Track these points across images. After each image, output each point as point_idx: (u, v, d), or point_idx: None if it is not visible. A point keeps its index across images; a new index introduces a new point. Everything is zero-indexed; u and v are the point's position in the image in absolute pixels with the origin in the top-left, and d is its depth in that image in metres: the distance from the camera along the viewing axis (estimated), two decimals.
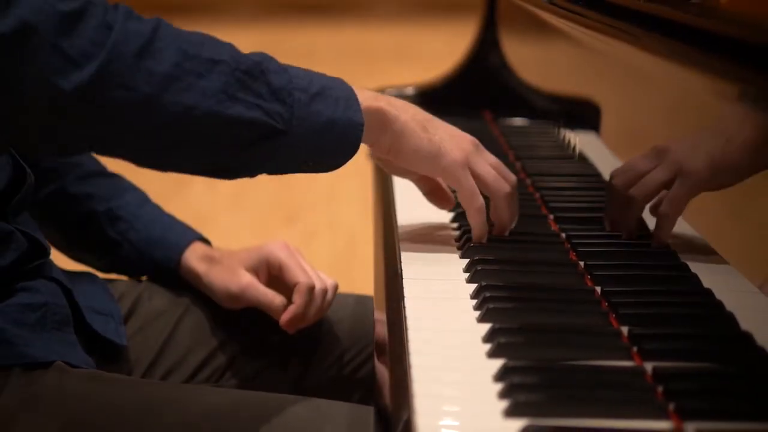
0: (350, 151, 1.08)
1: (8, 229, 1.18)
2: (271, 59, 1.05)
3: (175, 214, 1.46)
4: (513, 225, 1.17)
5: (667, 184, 1.10)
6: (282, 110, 1.02)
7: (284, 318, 1.30)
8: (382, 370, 0.92)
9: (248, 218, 3.60)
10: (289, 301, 1.32)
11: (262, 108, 1.01)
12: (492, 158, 1.16)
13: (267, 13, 8.13)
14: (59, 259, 1.31)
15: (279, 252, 1.33)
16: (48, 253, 1.25)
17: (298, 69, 1.07)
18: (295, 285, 1.31)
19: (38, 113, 0.95)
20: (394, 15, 8.23)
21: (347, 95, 1.07)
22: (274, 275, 1.34)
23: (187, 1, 8.16)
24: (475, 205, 1.13)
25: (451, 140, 1.13)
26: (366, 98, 1.09)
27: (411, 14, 8.19)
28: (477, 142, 1.16)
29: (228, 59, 1.01)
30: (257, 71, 1.02)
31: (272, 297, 1.32)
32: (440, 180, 1.20)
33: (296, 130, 1.03)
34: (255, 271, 1.34)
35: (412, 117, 1.12)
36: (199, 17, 7.92)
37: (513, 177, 1.16)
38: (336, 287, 1.35)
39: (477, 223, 1.14)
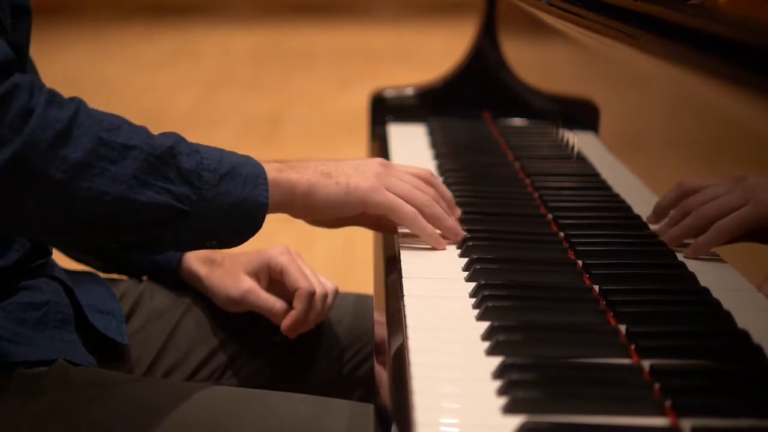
0: (253, 230, 1.09)
1: None
2: (182, 141, 1.07)
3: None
4: (457, 232, 1.17)
5: (737, 206, 1.06)
6: (190, 192, 1.04)
7: (285, 324, 1.31)
8: (382, 369, 0.92)
9: None
10: (290, 306, 1.33)
11: (171, 192, 1.03)
12: (404, 174, 1.18)
13: (266, 13, 8.14)
14: (61, 259, 1.31)
15: (280, 257, 1.34)
16: (50, 253, 1.26)
17: (210, 148, 1.08)
18: (295, 290, 1.32)
19: None
20: (394, 15, 8.23)
21: (256, 173, 1.09)
22: (275, 279, 1.35)
23: (186, 2, 8.16)
24: (408, 215, 1.14)
25: (357, 174, 1.14)
26: (272, 171, 1.11)
27: (410, 15, 8.19)
28: (385, 161, 1.18)
29: (141, 144, 1.02)
30: (168, 156, 1.04)
31: (273, 302, 1.33)
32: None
33: (202, 211, 1.05)
34: (256, 275, 1.35)
35: (314, 171, 1.13)
36: (199, 18, 7.92)
37: (428, 175, 1.18)
38: (336, 291, 1.36)
39: (418, 230, 1.15)
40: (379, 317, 1.02)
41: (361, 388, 1.38)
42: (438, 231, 1.16)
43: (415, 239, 1.19)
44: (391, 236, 1.21)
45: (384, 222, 1.19)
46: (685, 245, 1.12)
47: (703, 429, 0.75)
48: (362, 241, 3.10)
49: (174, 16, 7.92)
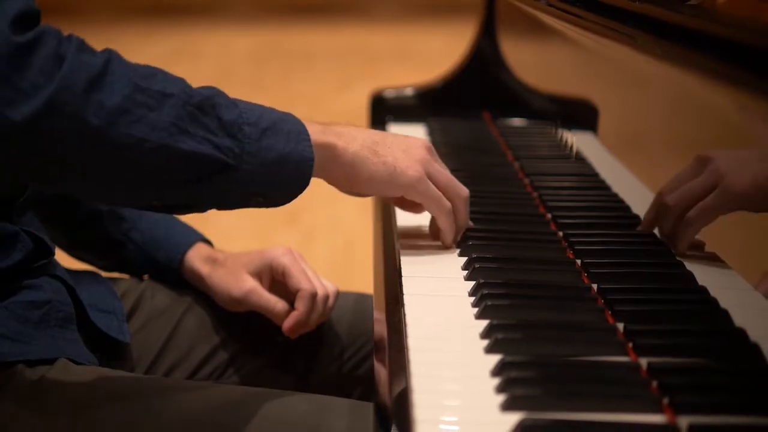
0: (301, 186, 1.08)
1: (14, 229, 1.20)
2: (221, 93, 1.05)
3: (175, 215, 1.47)
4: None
5: (706, 193, 1.08)
6: (233, 145, 1.02)
7: (287, 325, 1.32)
8: (381, 367, 0.93)
9: (248, 219, 3.61)
10: (291, 307, 1.33)
11: (213, 143, 1.01)
12: (443, 165, 1.18)
13: (266, 14, 8.14)
14: (63, 259, 1.32)
15: (283, 258, 1.34)
16: (52, 253, 1.26)
17: (249, 103, 1.07)
18: (297, 291, 1.32)
19: None
20: (393, 16, 8.23)
21: (298, 130, 1.07)
22: (276, 280, 1.35)
23: (186, 3, 8.16)
24: (444, 210, 1.15)
25: (405, 157, 1.14)
26: (315, 132, 1.09)
27: (410, 15, 8.20)
28: (430, 146, 1.17)
29: (179, 93, 1.01)
30: (208, 105, 1.02)
31: (274, 303, 1.33)
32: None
33: (247, 165, 1.03)
34: (258, 275, 1.35)
35: (362, 144, 1.12)
36: (199, 18, 7.93)
37: (462, 186, 1.18)
38: (337, 293, 1.36)
39: (447, 226, 1.16)
40: (379, 316, 1.03)
41: (362, 387, 1.39)
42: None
43: (414, 239, 1.20)
44: (390, 236, 1.21)
45: (410, 204, 1.19)
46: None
47: (700, 426, 0.76)
48: (362, 241, 3.11)
49: (174, 16, 7.93)
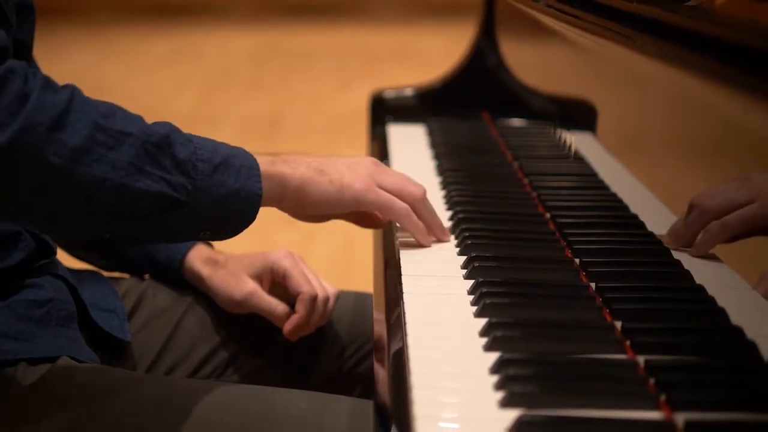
0: (247, 221, 1.10)
1: (16, 229, 1.20)
2: (176, 130, 1.07)
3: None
4: (443, 231, 1.19)
5: (744, 204, 1.08)
6: (185, 182, 1.04)
7: (287, 327, 1.33)
8: (381, 365, 0.94)
9: None
10: (291, 309, 1.34)
11: (167, 181, 1.03)
12: (394, 172, 1.19)
13: (266, 14, 8.14)
14: (65, 258, 1.33)
15: (283, 260, 1.35)
16: (54, 252, 1.27)
17: (203, 139, 1.09)
18: (298, 294, 1.33)
19: None
20: (393, 16, 8.24)
21: (249, 165, 1.09)
22: (277, 282, 1.36)
23: (186, 3, 8.17)
24: (401, 212, 1.16)
25: (350, 172, 1.15)
26: (265, 164, 1.11)
27: (410, 16, 8.20)
28: (376, 161, 1.19)
29: (137, 132, 1.02)
30: (164, 144, 1.04)
31: (275, 305, 1.34)
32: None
33: (197, 201, 1.05)
34: (258, 277, 1.36)
35: (307, 167, 1.14)
36: (199, 18, 7.93)
37: (420, 186, 1.19)
38: (337, 295, 1.37)
39: (412, 227, 1.17)
40: (379, 315, 1.04)
41: (362, 385, 1.39)
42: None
43: (413, 239, 1.21)
44: (390, 235, 1.22)
45: (369, 218, 1.21)
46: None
47: (697, 423, 0.77)
48: (362, 241, 3.12)
49: (174, 16, 7.93)
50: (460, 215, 1.26)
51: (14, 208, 1.02)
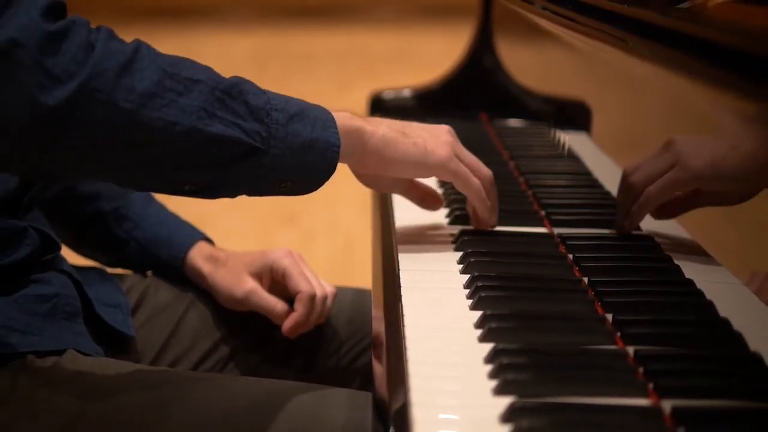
0: (328, 172, 1.10)
1: (21, 225, 1.22)
2: (249, 82, 1.07)
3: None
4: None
5: (666, 171, 1.12)
6: (260, 129, 1.05)
7: (286, 326, 1.35)
8: (379, 361, 0.96)
9: (248, 220, 3.63)
10: (290, 307, 1.36)
11: (241, 127, 1.03)
12: (467, 152, 1.20)
13: (266, 16, 8.15)
14: (69, 255, 1.35)
15: (283, 260, 1.37)
16: (59, 248, 1.29)
17: (275, 93, 1.09)
18: (297, 293, 1.35)
19: (20, 130, 0.97)
20: (392, 19, 8.25)
21: (324, 117, 1.09)
22: (276, 281, 1.38)
23: (186, 5, 8.18)
24: (475, 187, 1.17)
25: (433, 139, 1.16)
26: (342, 118, 1.11)
27: (408, 18, 8.21)
28: (452, 131, 1.19)
29: (206, 79, 1.03)
30: (236, 91, 1.04)
31: (274, 304, 1.36)
32: (421, 183, 1.24)
33: (274, 149, 1.05)
34: (258, 276, 1.38)
35: (389, 127, 1.14)
36: (200, 20, 7.94)
37: (487, 169, 1.21)
38: (335, 294, 1.39)
39: (479, 203, 1.18)
40: (377, 312, 1.06)
41: (360, 379, 1.42)
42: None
43: (412, 236, 1.23)
44: (389, 232, 1.25)
45: (426, 198, 1.22)
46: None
47: (683, 409, 0.79)
48: (362, 240, 3.14)
49: (175, 18, 7.94)
50: (457, 212, 1.29)
51: (91, 158, 1.01)
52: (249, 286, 1.37)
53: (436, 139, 1.16)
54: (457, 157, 1.16)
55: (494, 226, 1.21)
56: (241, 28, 7.81)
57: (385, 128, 1.14)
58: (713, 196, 1.08)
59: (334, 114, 1.11)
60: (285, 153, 1.06)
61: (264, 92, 1.07)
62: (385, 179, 1.19)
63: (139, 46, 1.01)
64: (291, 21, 8.02)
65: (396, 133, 1.14)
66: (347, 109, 1.14)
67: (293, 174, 1.08)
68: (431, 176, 1.17)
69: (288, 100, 1.09)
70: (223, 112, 1.03)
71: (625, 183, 1.17)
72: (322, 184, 1.10)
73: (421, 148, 1.14)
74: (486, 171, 1.19)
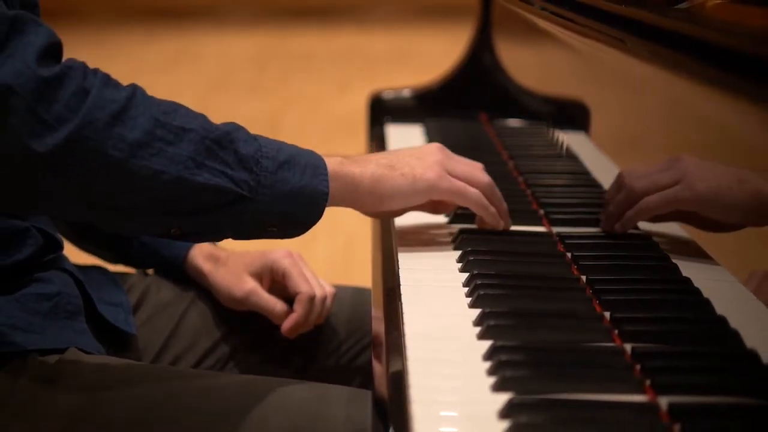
0: (314, 218, 1.11)
1: (24, 225, 1.23)
2: (241, 129, 1.08)
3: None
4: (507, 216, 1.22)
5: (668, 187, 1.13)
6: (248, 178, 1.05)
7: (286, 326, 1.36)
8: (379, 359, 0.96)
9: None
10: (290, 307, 1.37)
11: (228, 175, 1.04)
12: (461, 159, 1.20)
13: (266, 17, 8.16)
14: (71, 254, 1.36)
15: (283, 260, 1.38)
16: (61, 247, 1.30)
17: (268, 139, 1.10)
18: (297, 293, 1.36)
19: (9, 172, 0.98)
20: (392, 19, 8.26)
21: (315, 163, 1.10)
22: (276, 281, 1.39)
23: (186, 5, 8.19)
24: (472, 198, 1.18)
25: (420, 162, 1.16)
26: (334, 164, 1.12)
27: (408, 18, 8.22)
28: (442, 147, 1.20)
29: (198, 128, 1.04)
30: (226, 140, 1.05)
31: (274, 304, 1.37)
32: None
33: (261, 197, 1.06)
34: (258, 276, 1.39)
35: (376, 164, 1.15)
36: (200, 21, 7.95)
37: (484, 173, 1.21)
38: (335, 294, 1.40)
39: (484, 212, 1.19)
40: (377, 311, 1.07)
41: (360, 377, 1.42)
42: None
43: (412, 235, 1.24)
44: (389, 231, 1.25)
45: (443, 205, 1.22)
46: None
47: (679, 405, 0.80)
48: (362, 240, 3.15)
49: (175, 19, 7.95)
50: (456, 211, 1.29)
51: (78, 202, 1.03)
52: (249, 287, 1.38)
53: (422, 163, 1.16)
54: (450, 172, 1.17)
55: (508, 228, 1.21)
56: (241, 28, 7.82)
57: (373, 167, 1.15)
58: (706, 221, 1.10)
59: (327, 160, 1.12)
60: (272, 200, 1.07)
61: (256, 139, 1.08)
62: (392, 210, 1.19)
63: (133, 93, 1.02)
64: (291, 21, 8.03)
65: (384, 169, 1.15)
66: (339, 154, 1.15)
67: (279, 220, 1.09)
68: (426, 200, 1.17)
69: (280, 147, 1.09)
70: (212, 161, 1.04)
71: (625, 187, 1.18)
72: (308, 229, 1.12)
73: (410, 178, 1.15)
74: (481, 178, 1.19)
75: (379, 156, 1.17)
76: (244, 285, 1.38)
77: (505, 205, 1.21)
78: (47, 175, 0.98)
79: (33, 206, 1.06)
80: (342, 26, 7.95)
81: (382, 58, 6.76)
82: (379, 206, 1.16)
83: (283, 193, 1.07)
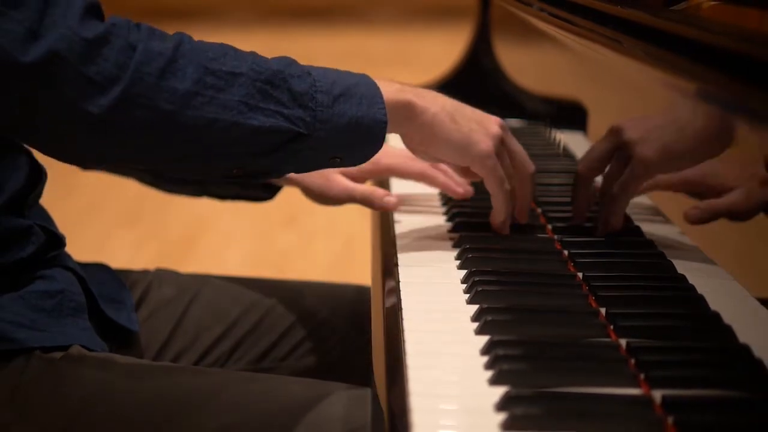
0: (376, 147, 1.11)
1: (27, 224, 1.24)
2: (293, 64, 1.09)
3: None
4: (527, 211, 1.23)
5: (623, 169, 1.15)
6: (304, 115, 1.06)
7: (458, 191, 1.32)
8: (379, 354, 0.98)
9: (248, 220, 3.65)
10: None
11: (283, 114, 1.05)
12: (515, 144, 1.21)
13: (266, 18, 8.18)
14: (73, 252, 1.37)
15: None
16: (64, 244, 1.30)
17: (323, 70, 1.10)
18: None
19: (68, 132, 1.01)
20: (392, 20, 8.28)
21: (371, 93, 1.10)
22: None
23: (187, 7, 8.20)
24: (502, 191, 1.18)
25: (480, 129, 1.16)
26: (392, 92, 1.12)
27: (408, 19, 8.24)
28: (503, 123, 1.20)
29: (248, 71, 1.05)
30: (278, 79, 1.06)
31: (372, 189, 1.34)
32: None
33: (319, 132, 1.07)
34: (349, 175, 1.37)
35: (441, 108, 1.15)
36: (200, 22, 7.96)
37: (531, 162, 1.21)
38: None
39: (500, 205, 1.19)
40: (376, 307, 1.08)
41: (360, 374, 1.43)
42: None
43: (411, 233, 1.25)
44: (388, 228, 1.27)
45: (471, 173, 1.22)
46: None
47: (673, 398, 0.82)
48: (361, 240, 3.17)
49: (174, 20, 7.94)
50: (454, 210, 1.31)
51: (140, 155, 1.06)
52: (343, 185, 1.35)
53: (483, 130, 1.16)
54: (499, 153, 1.17)
55: (505, 231, 1.21)
56: (241, 28, 7.83)
57: (436, 108, 1.14)
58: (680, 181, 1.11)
59: (383, 87, 1.11)
60: (330, 134, 1.07)
61: (309, 73, 1.08)
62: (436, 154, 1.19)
63: (180, 42, 1.03)
64: (291, 22, 8.05)
65: (446, 116, 1.15)
66: (397, 80, 1.15)
67: (340, 151, 1.09)
68: (470, 165, 1.18)
69: (335, 78, 1.09)
70: (266, 103, 1.04)
71: (587, 187, 1.20)
72: (371, 157, 1.12)
73: (465, 137, 1.15)
74: (526, 169, 1.19)
75: (444, 100, 1.17)
76: (337, 184, 1.36)
77: (527, 205, 1.21)
78: (104, 133, 1.00)
79: (94, 163, 1.09)
80: (342, 27, 7.97)
81: (381, 59, 6.78)
82: (426, 146, 1.16)
83: (341, 126, 1.07)
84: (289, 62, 1.09)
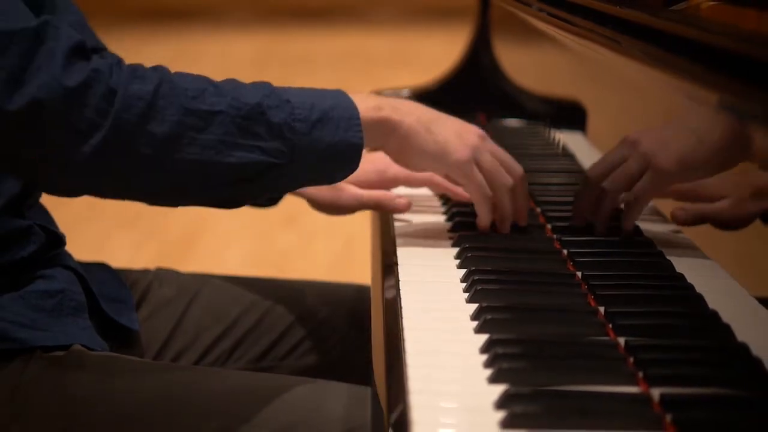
0: (352, 168, 1.13)
1: (27, 224, 1.24)
2: (272, 93, 1.09)
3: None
4: (523, 217, 1.22)
5: (638, 176, 1.16)
6: (281, 146, 1.07)
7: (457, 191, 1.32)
8: (379, 350, 0.99)
9: (248, 221, 3.65)
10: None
11: (261, 148, 1.06)
12: (498, 150, 1.21)
13: (265, 18, 8.18)
14: (73, 251, 1.37)
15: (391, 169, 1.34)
16: (64, 243, 1.31)
17: (301, 93, 1.11)
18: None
19: (52, 174, 1.05)
20: (392, 20, 8.28)
21: (348, 115, 1.11)
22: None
23: (187, 7, 8.20)
24: (483, 198, 1.19)
25: (456, 138, 1.17)
26: (368, 109, 1.13)
27: (408, 20, 8.24)
28: (483, 134, 1.20)
29: (227, 108, 1.05)
30: (256, 113, 1.07)
31: (385, 192, 1.34)
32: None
33: (296, 160, 1.08)
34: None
35: (417, 119, 1.16)
36: (199, 22, 7.97)
37: (519, 169, 1.21)
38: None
39: (482, 212, 1.20)
40: (376, 306, 1.08)
41: (360, 373, 1.44)
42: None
43: (411, 232, 1.26)
44: (388, 228, 1.27)
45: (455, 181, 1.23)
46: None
47: (671, 395, 0.82)
48: (361, 240, 3.17)
49: (174, 20, 7.97)
50: (454, 209, 1.31)
51: (121, 193, 1.09)
52: (352, 192, 1.35)
53: (459, 141, 1.17)
54: (478, 162, 1.18)
55: (505, 231, 1.21)
56: (241, 29, 7.84)
57: (411, 120, 1.16)
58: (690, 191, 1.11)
59: (360, 104, 1.12)
60: (307, 160, 1.09)
61: (288, 101, 1.09)
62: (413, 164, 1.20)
63: (159, 83, 1.04)
64: (291, 22, 8.05)
65: (421, 127, 1.16)
66: (373, 92, 1.16)
67: (316, 175, 1.12)
68: (448, 173, 1.19)
69: (313, 102, 1.10)
70: (244, 138, 1.06)
71: (597, 189, 1.20)
72: (346, 177, 1.14)
73: (441, 147, 1.16)
74: (503, 181, 1.19)
75: (422, 111, 1.18)
76: (346, 193, 1.35)
77: (520, 212, 1.21)
78: (88, 176, 1.04)
79: (76, 195, 1.11)
80: (342, 28, 7.97)
81: (381, 59, 6.78)
82: (404, 158, 1.18)
83: (318, 152, 1.09)
84: (267, 92, 1.09)
